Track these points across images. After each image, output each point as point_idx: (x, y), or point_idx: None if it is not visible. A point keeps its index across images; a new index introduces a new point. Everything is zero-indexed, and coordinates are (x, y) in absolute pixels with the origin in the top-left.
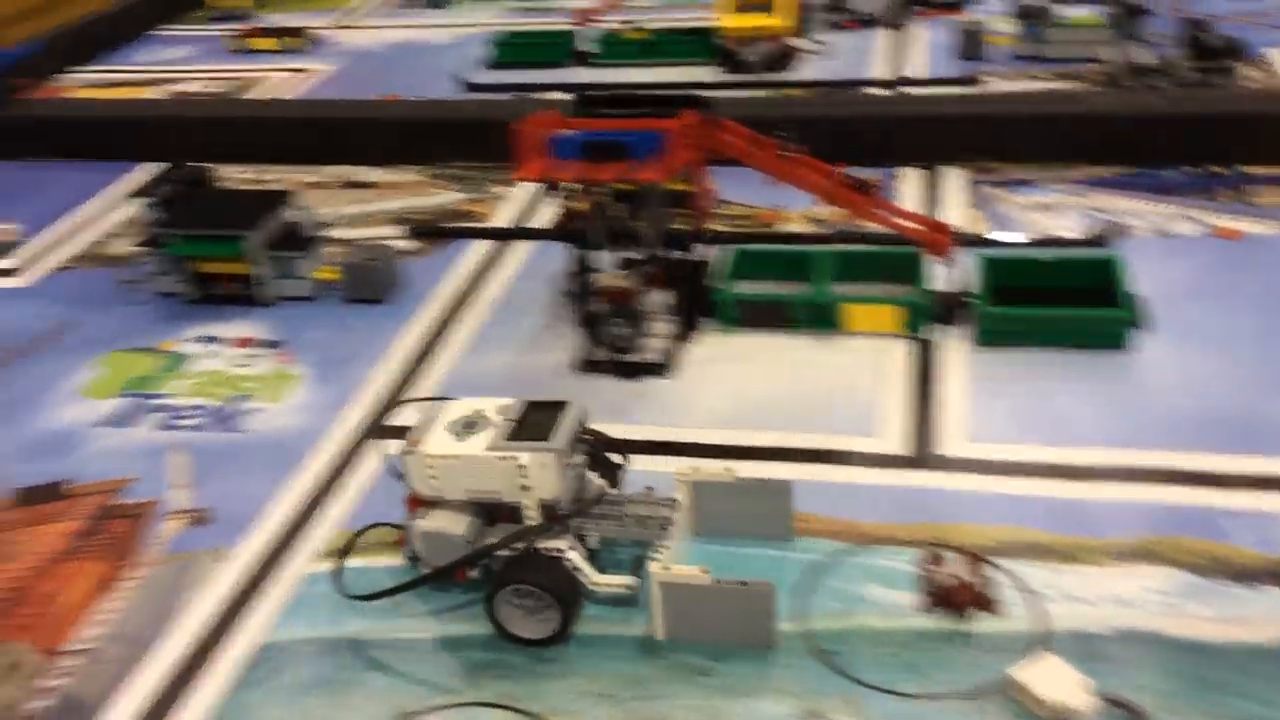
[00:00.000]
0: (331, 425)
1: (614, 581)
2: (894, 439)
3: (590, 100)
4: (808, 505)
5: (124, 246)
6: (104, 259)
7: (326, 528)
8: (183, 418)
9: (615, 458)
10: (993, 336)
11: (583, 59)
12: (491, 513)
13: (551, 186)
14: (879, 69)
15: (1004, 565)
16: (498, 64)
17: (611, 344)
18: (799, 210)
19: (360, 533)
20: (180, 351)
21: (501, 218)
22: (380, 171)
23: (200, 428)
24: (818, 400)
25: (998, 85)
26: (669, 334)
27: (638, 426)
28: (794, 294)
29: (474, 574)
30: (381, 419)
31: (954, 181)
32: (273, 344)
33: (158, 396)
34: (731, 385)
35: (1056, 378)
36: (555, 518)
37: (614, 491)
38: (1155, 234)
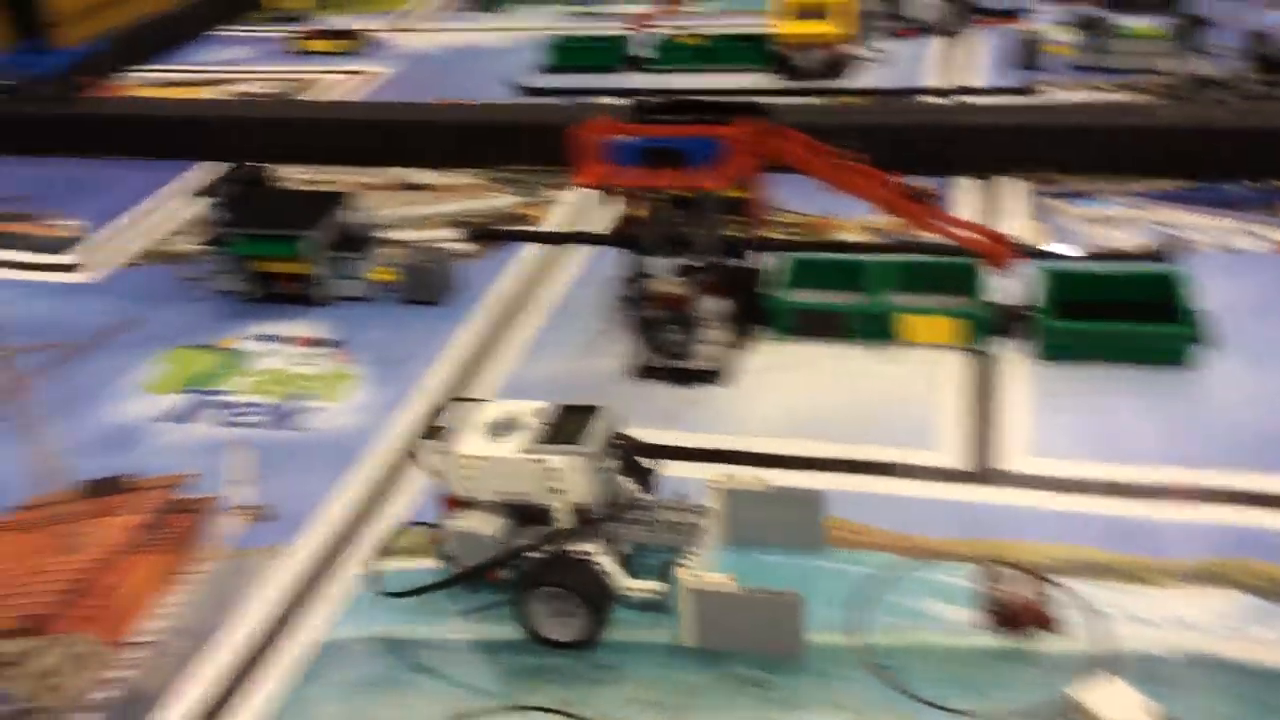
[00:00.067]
0: (389, 425)
1: (644, 586)
2: (951, 452)
3: (648, 106)
4: (862, 517)
5: (187, 244)
6: (167, 256)
7: (383, 527)
8: (242, 415)
9: (647, 463)
10: (1056, 351)
11: (637, 64)
12: (524, 515)
13: (608, 192)
14: (935, 77)
15: (1065, 584)
16: (553, 68)
17: (666, 350)
18: (855, 219)
19: (398, 532)
20: (240, 349)
21: (554, 221)
22: (436, 174)
23: (260, 425)
24: (873, 411)
25: (1057, 95)
26: (723, 341)
27: (691, 434)
28: (850, 303)
29: (506, 575)
30: (434, 420)
31: (1012, 192)
32: (333, 343)
33: (218, 393)
34: (785, 394)
35: (1119, 394)
36: (586, 521)
37: (645, 497)
38: (1218, 249)
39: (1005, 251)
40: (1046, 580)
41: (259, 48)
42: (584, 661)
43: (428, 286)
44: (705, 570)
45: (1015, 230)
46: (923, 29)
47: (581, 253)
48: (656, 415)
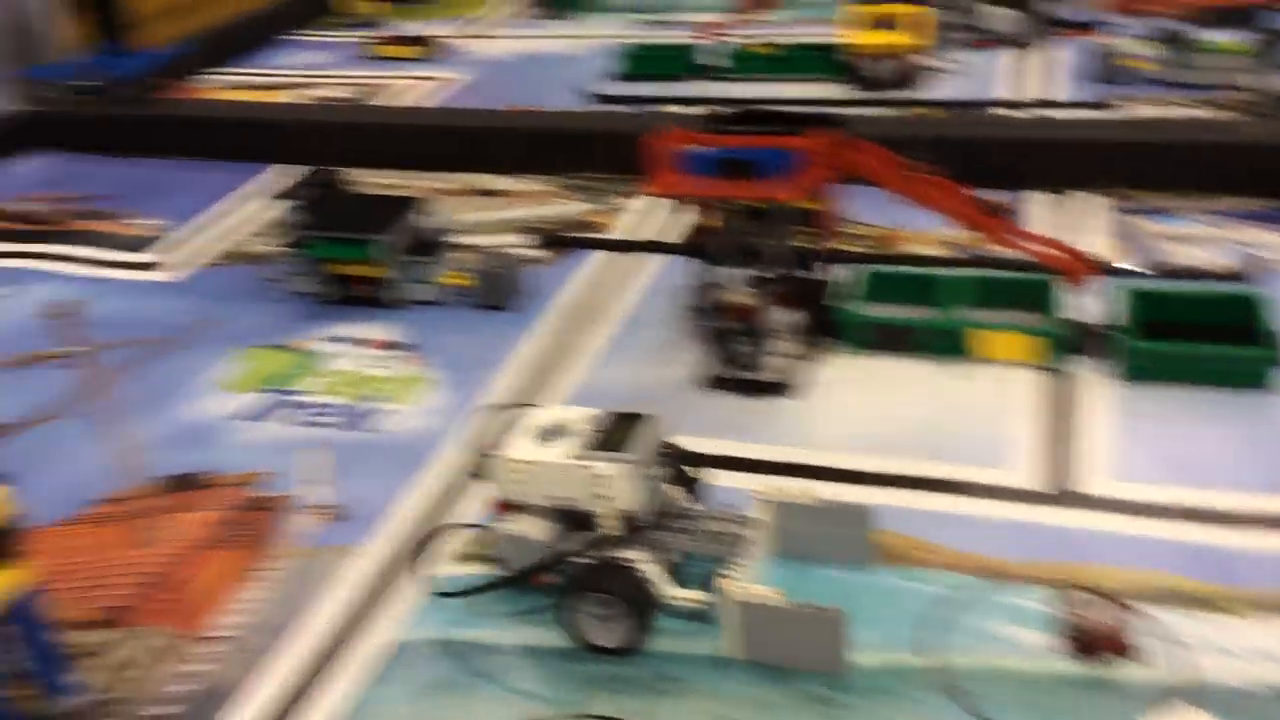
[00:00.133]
0: (460, 429)
1: (689, 596)
2: (1026, 472)
3: (722, 117)
4: (934, 536)
5: (265, 245)
6: (245, 257)
7: (465, 530)
8: (317, 415)
9: (694, 472)
10: (1137, 372)
11: (708, 73)
12: (571, 520)
13: (680, 201)
14: (1010, 89)
15: (1144, 611)
16: (624, 76)
17: (736, 361)
18: (927, 232)
19: (438, 533)
20: (315, 350)
21: (624, 229)
22: (508, 180)
23: (333, 426)
24: (946, 428)
25: (1135, 110)
26: (793, 353)
27: (760, 446)
28: (923, 318)
29: (553, 579)
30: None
31: (1089, 208)
32: (406, 347)
33: (293, 393)
34: (857, 409)
35: (1199, 417)
36: (632, 529)
37: (692, 506)
38: None
39: (1083, 268)
40: (1126, 607)
41: (334, 53)
42: (646, 671)
43: (499, 292)
44: (750, 582)
45: (1092, 247)
46: (998, 40)
47: (651, 261)
48: (725, 426)
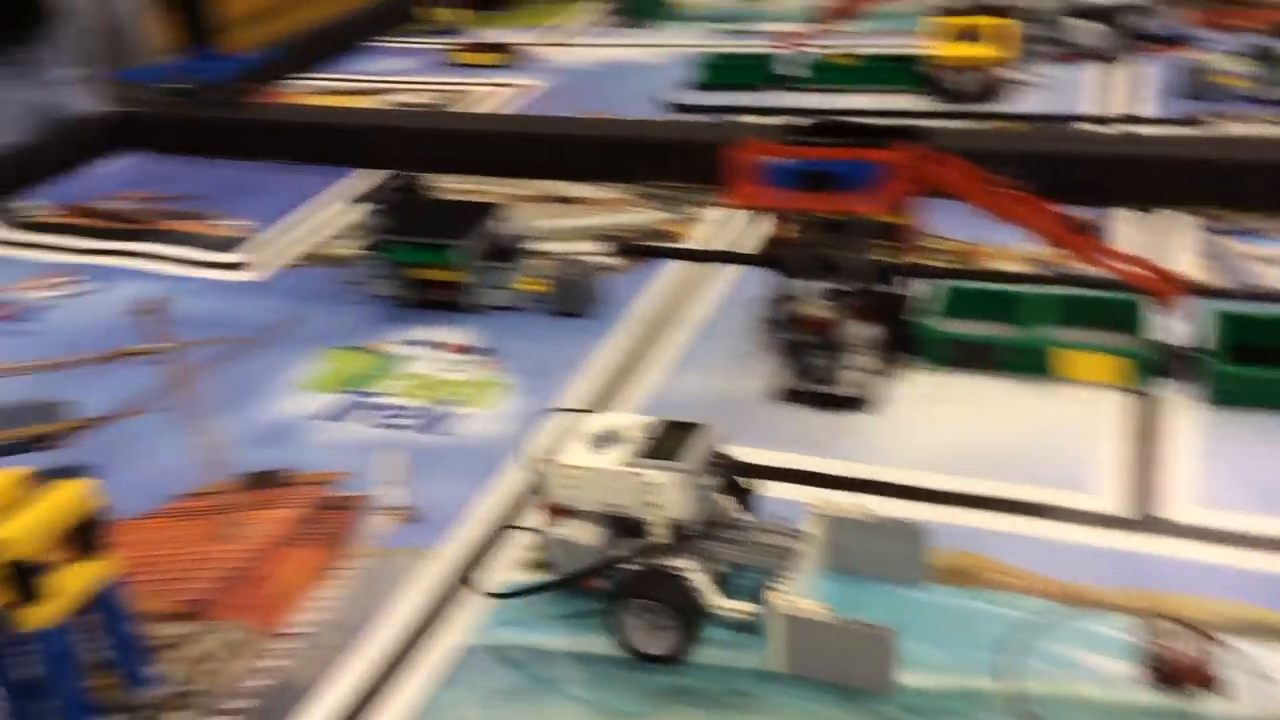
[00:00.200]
0: (534, 434)
1: (736, 607)
2: (1109, 497)
3: (801, 128)
4: (1013, 559)
5: (346, 248)
6: (327, 259)
7: (527, 535)
8: (393, 417)
9: (746, 483)
10: (1226, 396)
11: (787, 83)
12: (621, 526)
13: (758, 212)
14: (1096, 104)
15: (1230, 643)
16: (702, 85)
17: (811, 374)
18: (1009, 248)
19: (497, 534)
20: (393, 353)
21: (700, 239)
22: (584, 187)
23: (410, 428)
24: (1026, 449)
25: (1225, 128)
26: (870, 368)
27: (834, 461)
28: (1005, 336)
29: (602, 584)
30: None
31: (1177, 227)
32: (482, 351)
33: (370, 395)
34: (934, 426)
35: None
36: (681, 537)
37: (743, 517)
38: None
39: (1171, 289)
40: (1210, 638)
41: (415, 59)
42: (715, 685)
43: (575, 299)
44: (798, 596)
45: (1180, 267)
46: (1083, 54)
47: (727, 271)
48: (799, 440)
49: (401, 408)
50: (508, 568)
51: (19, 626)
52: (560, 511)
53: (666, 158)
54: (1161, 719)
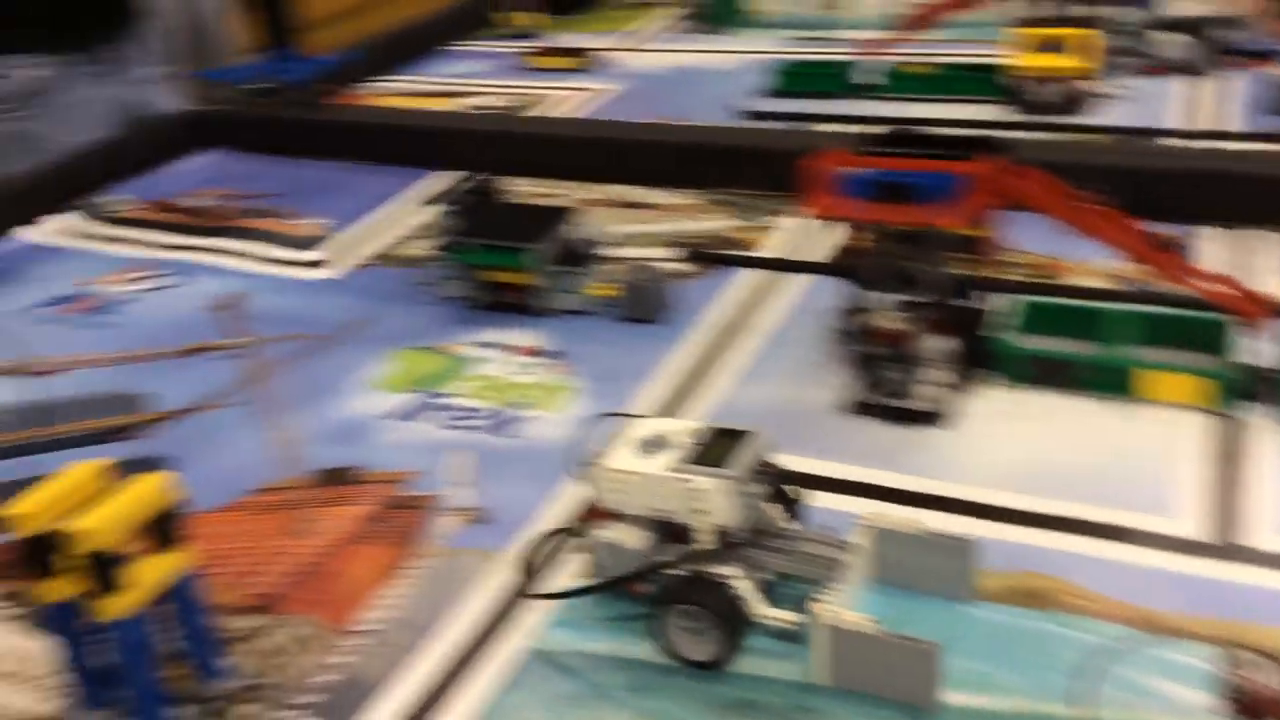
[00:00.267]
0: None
1: (780, 616)
2: (1190, 522)
3: (879, 138)
4: (1089, 583)
5: (419, 249)
6: (401, 259)
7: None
8: (463, 418)
9: (794, 492)
10: None
11: (863, 91)
12: (667, 531)
13: (833, 222)
14: (1182, 119)
15: None
16: (777, 92)
17: (884, 387)
18: (1090, 263)
19: (546, 537)
20: (464, 354)
21: (772, 247)
22: (657, 193)
23: (479, 430)
24: (1104, 470)
25: None
26: (945, 383)
27: (904, 476)
28: (1085, 353)
29: (647, 588)
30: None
31: (1265, 246)
32: (552, 354)
33: (442, 396)
34: (1010, 444)
35: None
36: (727, 544)
37: (790, 526)
38: None
39: (1258, 309)
40: None
41: (492, 62)
42: (790, 701)
43: (645, 304)
44: (843, 607)
45: (1268, 287)
46: (1169, 68)
47: (799, 280)
48: (870, 453)
49: (471, 409)
50: (547, 567)
51: (97, 616)
52: (607, 515)
53: (740, 164)
54: None
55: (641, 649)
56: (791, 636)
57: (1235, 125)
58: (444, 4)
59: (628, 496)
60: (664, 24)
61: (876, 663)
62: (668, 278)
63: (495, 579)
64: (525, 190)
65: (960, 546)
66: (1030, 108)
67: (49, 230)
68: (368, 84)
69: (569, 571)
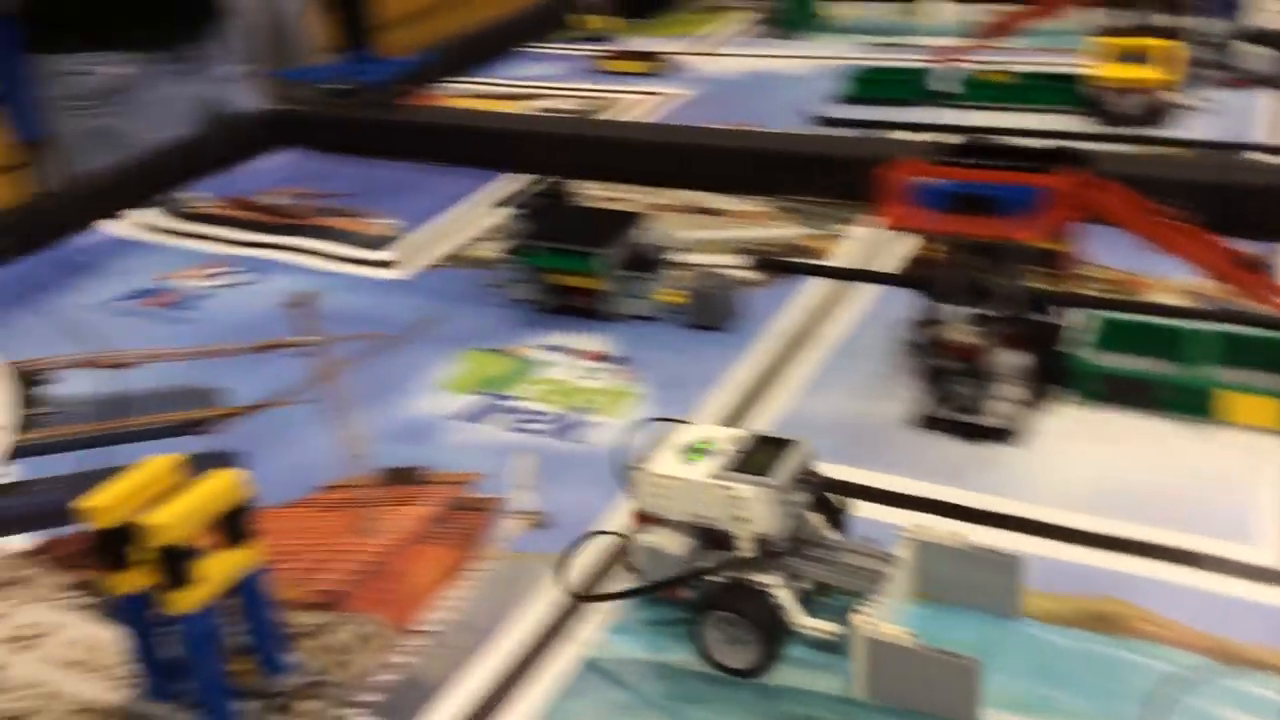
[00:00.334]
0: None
1: (820, 626)
2: (1270, 549)
3: (955, 148)
4: (1164, 609)
5: (488, 251)
6: (470, 261)
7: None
8: (528, 421)
9: (838, 502)
10: None
11: (939, 99)
12: (708, 538)
13: (908, 233)
14: (1267, 133)
15: None
16: (851, 99)
17: (954, 402)
18: (1170, 280)
19: (586, 539)
20: (530, 357)
21: (843, 256)
22: (727, 199)
23: (544, 433)
24: (1181, 494)
25: None
26: (1018, 399)
27: (975, 494)
28: (1163, 373)
29: (688, 594)
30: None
31: None
32: (618, 360)
33: (507, 398)
34: (1083, 464)
35: None
36: (767, 553)
37: (832, 536)
38: None
39: None
40: None
41: (564, 65)
42: (835, 715)
43: (713, 312)
44: (884, 619)
45: None
46: (1253, 80)
47: (869, 291)
48: (939, 469)
49: (536, 412)
50: (587, 568)
51: (167, 609)
52: (649, 519)
53: (812, 172)
54: None
55: (698, 659)
56: (832, 648)
57: None
58: (519, 6)
59: (670, 502)
60: (737, 28)
61: (916, 677)
62: (736, 285)
63: (555, 584)
64: (595, 194)
65: (1006, 562)
66: (1110, 119)
67: (131, 225)
68: (442, 85)
69: (611, 575)
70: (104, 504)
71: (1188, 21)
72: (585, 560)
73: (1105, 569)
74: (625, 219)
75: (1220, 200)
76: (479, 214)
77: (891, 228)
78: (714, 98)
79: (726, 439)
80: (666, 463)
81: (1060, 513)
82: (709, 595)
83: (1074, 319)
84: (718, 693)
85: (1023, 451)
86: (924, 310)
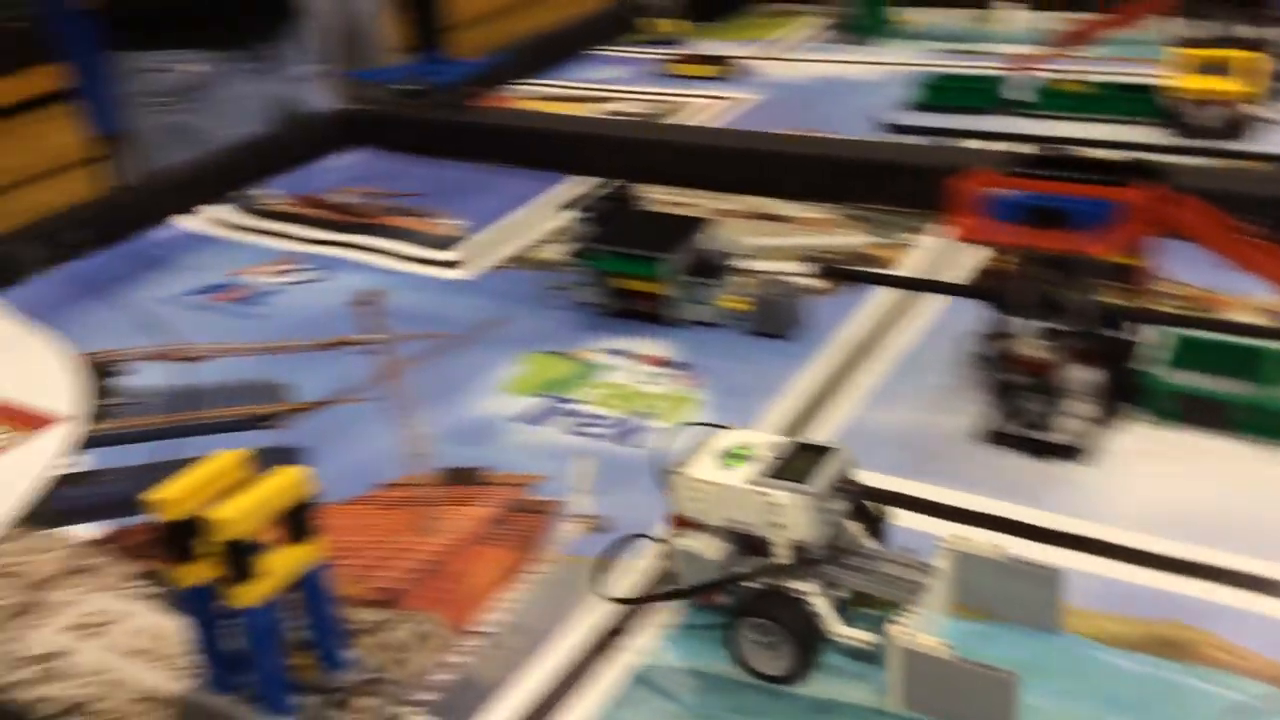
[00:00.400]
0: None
1: (856, 635)
2: None
3: (1030, 159)
4: (1232, 636)
5: (553, 253)
6: (534, 263)
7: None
8: (589, 425)
9: (876, 511)
10: None
11: (1012, 107)
12: (745, 543)
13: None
14: None
15: None
16: (922, 106)
17: (1023, 418)
18: (1249, 298)
19: (623, 542)
20: (592, 361)
21: (910, 266)
22: (792, 205)
23: (604, 437)
24: (1256, 518)
25: None
26: (1089, 416)
27: (1042, 512)
28: (1240, 393)
29: (724, 599)
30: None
31: None
32: (679, 365)
33: (569, 401)
34: (1156, 485)
35: None
36: (804, 560)
37: (870, 545)
38: None
39: None
40: None
41: (633, 68)
42: None
43: (776, 319)
44: (921, 629)
45: None
46: None
47: (936, 301)
48: (1005, 486)
49: (597, 416)
50: (625, 571)
51: (231, 602)
52: (687, 523)
53: (879, 179)
54: None
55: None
56: (868, 657)
57: None
58: (589, 9)
59: (707, 506)
60: (808, 33)
61: (952, 690)
62: (800, 293)
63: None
64: (661, 198)
65: (1046, 575)
66: (1189, 132)
67: (204, 220)
68: (511, 87)
69: (648, 577)
70: (172, 497)
71: (1271, 32)
72: (635, 564)
73: (1174, 592)
74: (690, 224)
75: None
76: (544, 216)
77: (962, 239)
78: (782, 103)
79: (766, 445)
80: (705, 468)
81: (1129, 533)
82: (744, 601)
83: (1148, 335)
84: (773, 705)
85: (1092, 470)
86: (993, 323)
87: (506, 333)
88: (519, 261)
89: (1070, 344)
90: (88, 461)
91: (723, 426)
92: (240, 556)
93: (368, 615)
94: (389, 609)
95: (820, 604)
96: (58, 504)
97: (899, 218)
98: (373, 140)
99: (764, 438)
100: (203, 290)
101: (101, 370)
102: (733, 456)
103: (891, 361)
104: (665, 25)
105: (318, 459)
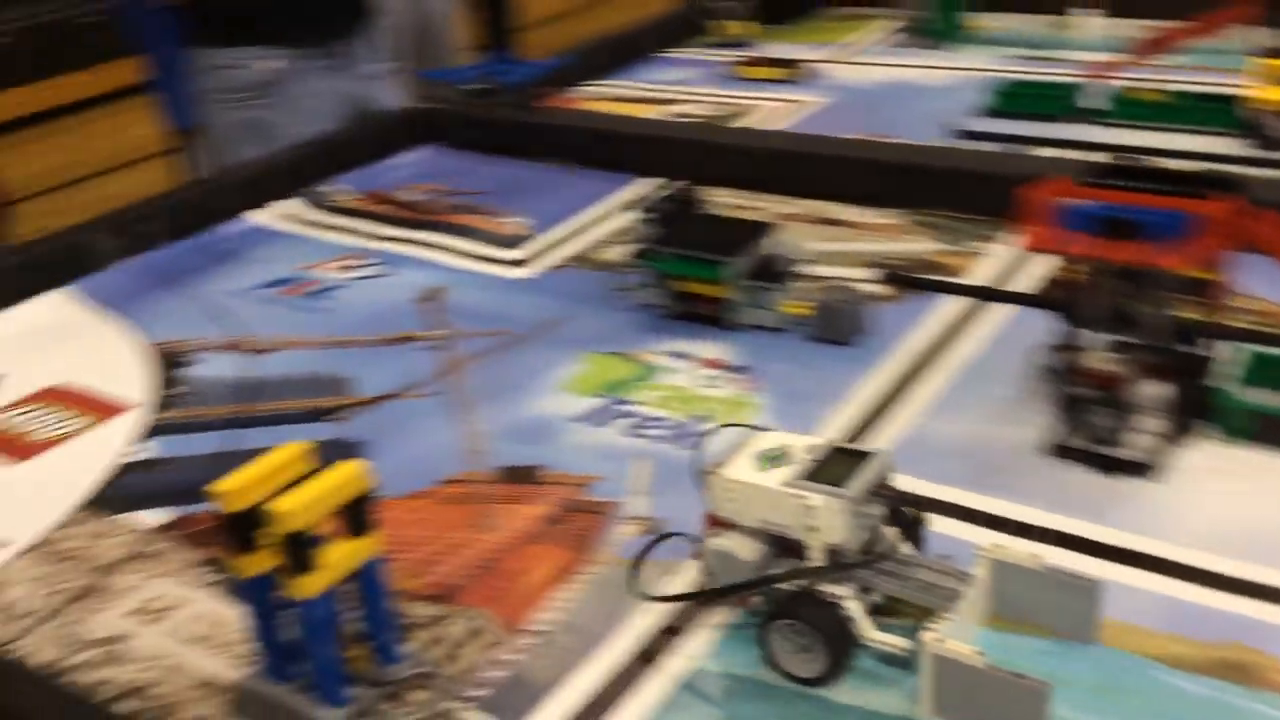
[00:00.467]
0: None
1: (889, 640)
2: None
3: (1104, 169)
4: None
5: (615, 254)
6: (597, 263)
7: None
8: (647, 427)
9: (914, 516)
10: None
11: (1086, 115)
12: (780, 545)
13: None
14: None
15: None
16: (994, 112)
17: (1091, 432)
18: None
19: (659, 540)
20: (652, 362)
21: (978, 274)
22: (857, 210)
23: (662, 440)
24: None
25: None
26: (1159, 433)
27: (1105, 529)
28: None
29: (758, 601)
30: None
31: None
32: (739, 370)
33: (627, 402)
34: (1224, 503)
35: None
36: (838, 564)
37: (907, 551)
38: None
39: None
40: None
41: (701, 70)
42: None
43: (839, 326)
44: (954, 637)
45: None
46: None
47: (1003, 311)
48: (1071, 502)
49: (655, 418)
50: (660, 569)
51: (289, 594)
52: (721, 523)
53: (949, 186)
54: None
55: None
56: (899, 662)
57: None
58: (658, 10)
59: (742, 507)
60: (879, 37)
61: (983, 699)
62: (864, 299)
63: (667, 592)
64: (725, 201)
65: (1085, 587)
66: (1269, 144)
67: (274, 215)
68: (579, 87)
69: (682, 577)
70: (235, 488)
71: None
72: (676, 564)
73: (1243, 616)
74: (754, 228)
75: None
76: (608, 217)
77: (1031, 249)
78: (851, 106)
79: (804, 447)
80: (741, 468)
81: (1196, 553)
82: (778, 602)
83: (1222, 351)
84: (824, 715)
85: (1161, 487)
86: (1062, 335)
87: (567, 332)
88: (580, 261)
89: (1141, 358)
90: (154, 449)
91: (762, 428)
92: (300, 549)
93: (422, 610)
94: (443, 604)
95: (854, 608)
96: (124, 490)
97: (968, 225)
98: (441, 138)
99: (803, 440)
100: (270, 284)
101: (170, 360)
102: (770, 458)
103: (956, 371)
104: (734, 28)
105: (377, 453)
